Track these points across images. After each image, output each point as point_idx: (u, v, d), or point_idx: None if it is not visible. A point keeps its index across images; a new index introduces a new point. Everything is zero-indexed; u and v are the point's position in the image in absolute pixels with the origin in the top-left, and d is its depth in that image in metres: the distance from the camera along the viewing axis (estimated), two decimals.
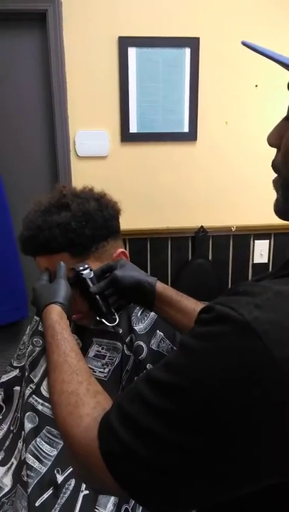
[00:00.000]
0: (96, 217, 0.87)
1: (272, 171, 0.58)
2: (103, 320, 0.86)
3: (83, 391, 0.59)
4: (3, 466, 0.93)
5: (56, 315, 0.75)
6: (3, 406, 1.06)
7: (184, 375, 0.44)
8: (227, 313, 0.43)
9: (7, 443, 0.98)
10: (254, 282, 0.52)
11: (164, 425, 0.44)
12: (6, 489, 0.88)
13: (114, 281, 0.85)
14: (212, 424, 0.42)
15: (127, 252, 0.96)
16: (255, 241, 2.17)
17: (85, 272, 0.85)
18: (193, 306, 0.84)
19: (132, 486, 0.47)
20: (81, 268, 0.86)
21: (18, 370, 1.05)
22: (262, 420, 0.40)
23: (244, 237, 2.16)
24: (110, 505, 0.78)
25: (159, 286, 0.86)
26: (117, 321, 0.88)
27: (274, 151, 0.58)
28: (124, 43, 1.87)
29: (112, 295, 0.88)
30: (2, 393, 1.07)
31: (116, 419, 0.49)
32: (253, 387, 0.40)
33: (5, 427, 1.02)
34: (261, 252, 2.18)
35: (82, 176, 1.96)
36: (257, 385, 0.40)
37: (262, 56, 0.56)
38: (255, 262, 2.20)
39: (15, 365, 1.08)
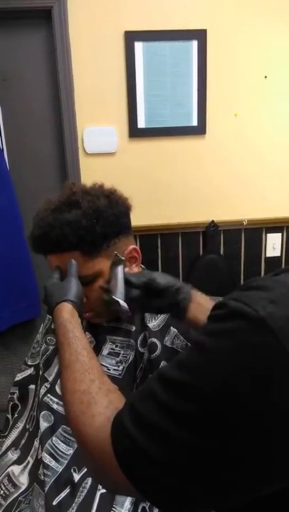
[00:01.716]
0: (106, 214, 0.86)
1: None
2: (119, 300, 0.81)
3: (95, 390, 0.59)
4: (20, 464, 0.93)
5: (67, 313, 0.75)
6: (19, 404, 1.06)
7: (196, 374, 0.44)
8: (241, 309, 0.42)
9: (23, 441, 0.98)
10: (270, 277, 0.51)
11: (176, 425, 0.43)
12: (23, 488, 0.88)
13: (151, 280, 0.84)
14: (225, 424, 0.41)
15: (138, 249, 0.95)
16: (268, 234, 2.14)
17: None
18: None
19: (145, 486, 0.46)
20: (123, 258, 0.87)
21: (32, 369, 1.06)
22: (277, 420, 0.39)
23: (256, 231, 2.13)
24: (128, 504, 0.78)
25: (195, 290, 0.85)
26: (129, 312, 0.84)
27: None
28: (131, 38, 1.85)
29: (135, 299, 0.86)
30: (17, 392, 1.07)
31: (128, 418, 0.48)
32: (267, 385, 0.39)
33: (21, 425, 1.03)
34: (274, 245, 2.16)
35: (91, 173, 1.95)
36: (271, 382, 0.39)
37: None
38: (267, 255, 2.17)
39: (29, 363, 1.08)
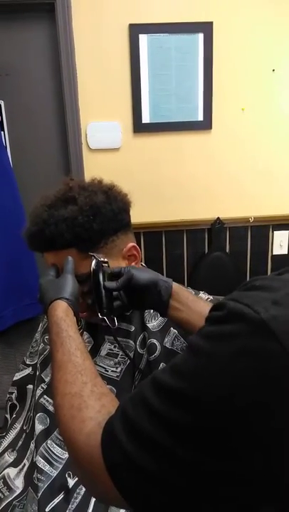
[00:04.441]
0: (104, 210, 0.83)
1: None
2: (105, 319, 0.80)
3: (87, 393, 0.56)
4: (16, 467, 0.91)
5: (61, 311, 0.72)
6: (17, 404, 1.04)
7: (191, 381, 0.41)
8: (241, 311, 0.39)
9: (20, 443, 0.96)
10: (273, 276, 0.47)
11: (168, 436, 0.40)
12: (18, 491, 0.86)
13: (130, 279, 0.80)
14: (222, 438, 0.38)
15: (141, 246, 0.91)
16: (274, 232, 2.11)
17: (105, 265, 0.81)
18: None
19: (135, 500, 0.44)
20: (102, 259, 0.81)
21: (30, 368, 1.04)
22: (281, 434, 0.36)
23: (262, 228, 2.10)
24: (123, 510, 0.75)
25: (175, 285, 0.82)
26: (116, 325, 0.83)
27: None
28: (135, 31, 1.82)
29: (119, 299, 0.83)
30: (15, 391, 1.05)
31: (120, 425, 0.45)
32: (268, 396, 0.36)
33: (18, 426, 1.01)
34: (281, 243, 2.12)
35: (95, 169, 1.92)
36: (273, 394, 0.36)
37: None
38: (274, 253, 2.14)
39: (28, 363, 1.06)
